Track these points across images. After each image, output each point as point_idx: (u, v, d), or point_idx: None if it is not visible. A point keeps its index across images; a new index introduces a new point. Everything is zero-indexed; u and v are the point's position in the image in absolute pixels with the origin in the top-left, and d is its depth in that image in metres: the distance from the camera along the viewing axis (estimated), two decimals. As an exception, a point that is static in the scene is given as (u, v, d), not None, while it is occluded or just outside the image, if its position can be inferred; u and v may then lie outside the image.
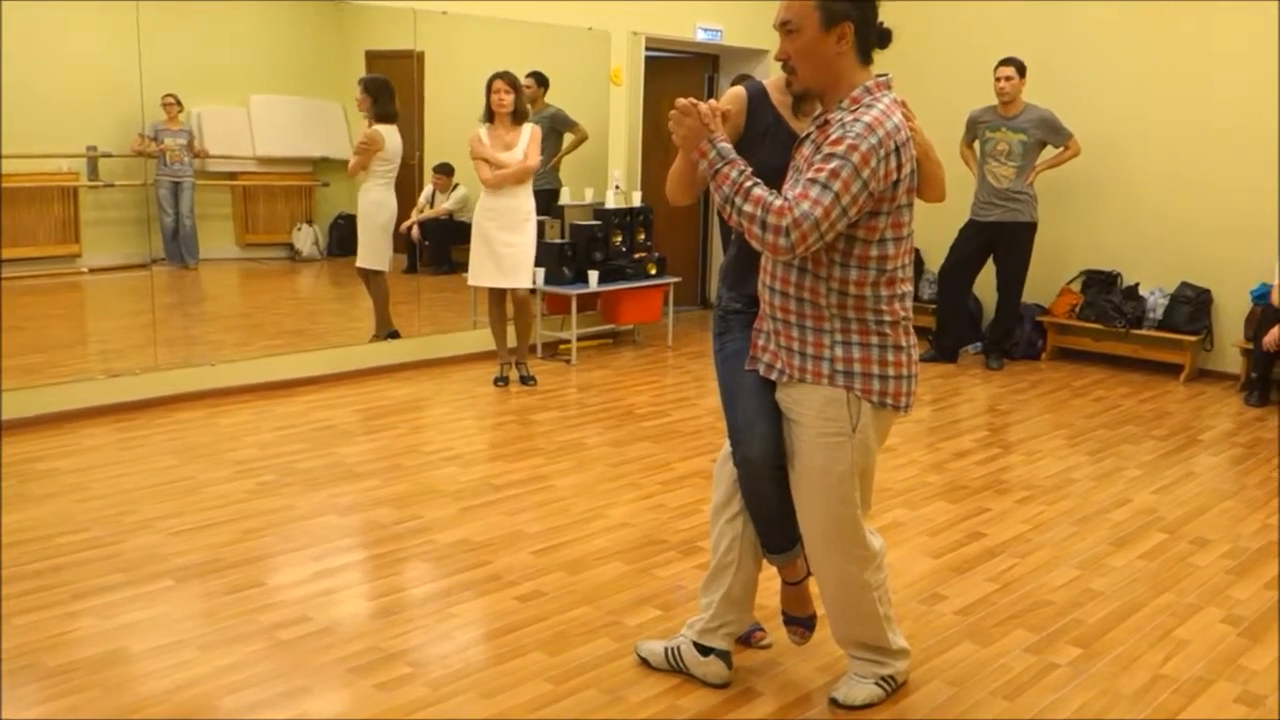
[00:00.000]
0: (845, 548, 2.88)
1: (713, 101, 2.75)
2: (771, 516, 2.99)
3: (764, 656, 3.29)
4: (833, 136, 2.58)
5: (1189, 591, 3.87)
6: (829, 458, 2.79)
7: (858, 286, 2.69)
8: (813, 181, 2.53)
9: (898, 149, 2.59)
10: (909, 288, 2.79)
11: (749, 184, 2.60)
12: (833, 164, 2.53)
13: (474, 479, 4.86)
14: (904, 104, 2.72)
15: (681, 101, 2.68)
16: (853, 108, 2.62)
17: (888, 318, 2.73)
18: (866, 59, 2.70)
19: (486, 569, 3.88)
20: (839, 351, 2.74)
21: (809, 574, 3.12)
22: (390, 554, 4.01)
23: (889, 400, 2.77)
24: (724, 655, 3.11)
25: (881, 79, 2.70)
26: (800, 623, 3.20)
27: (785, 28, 2.68)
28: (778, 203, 2.54)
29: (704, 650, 3.10)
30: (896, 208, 2.66)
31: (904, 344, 2.77)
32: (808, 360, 2.77)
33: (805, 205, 2.51)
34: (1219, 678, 3.24)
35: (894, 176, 2.60)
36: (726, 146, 2.67)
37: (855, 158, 2.52)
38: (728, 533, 3.08)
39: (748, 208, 2.57)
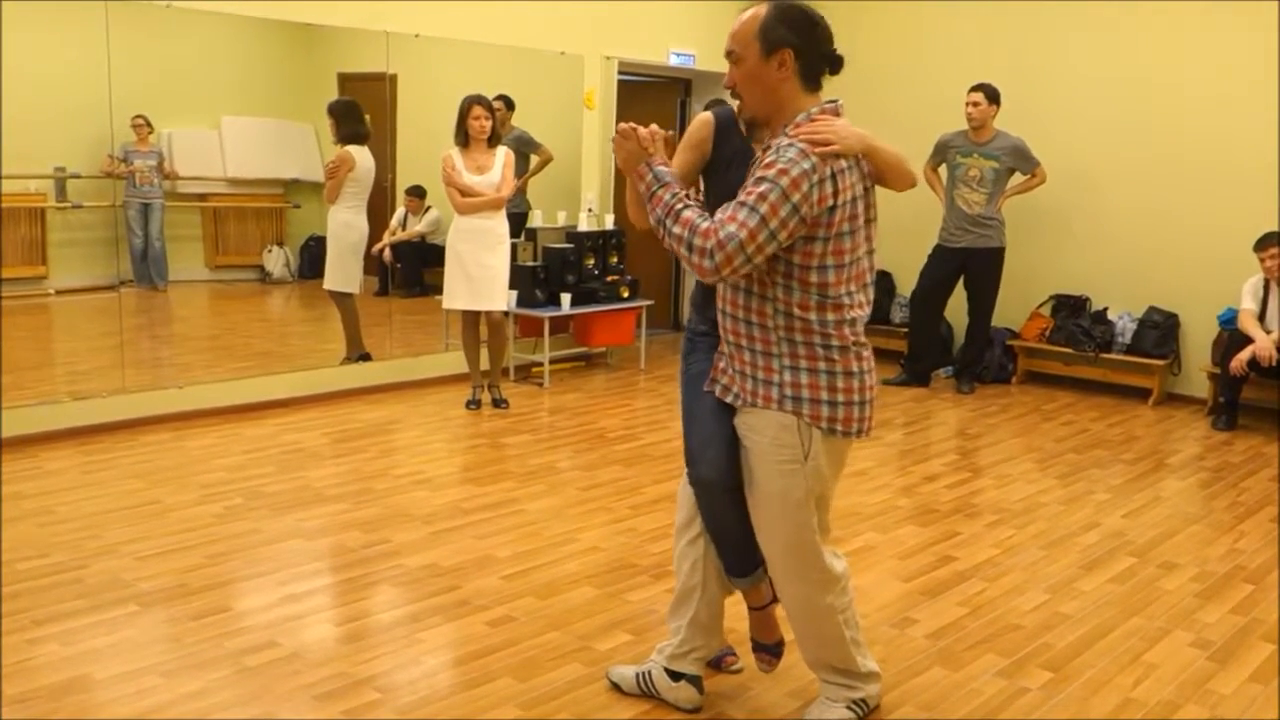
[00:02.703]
0: (804, 572, 2.88)
1: (654, 126, 2.78)
2: (730, 539, 2.98)
3: (735, 681, 3.28)
4: (766, 160, 2.60)
5: (1158, 615, 3.88)
6: (784, 484, 2.79)
7: (801, 310, 2.68)
8: (741, 204, 2.56)
9: (834, 175, 2.59)
10: (861, 313, 2.75)
11: (680, 206, 2.63)
12: (761, 187, 2.55)
13: (444, 502, 4.83)
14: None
15: (623, 126, 2.74)
16: (795, 133, 2.63)
17: (835, 342, 2.70)
18: (812, 85, 2.69)
19: (456, 593, 3.85)
20: (787, 376, 2.73)
21: (774, 600, 3.11)
22: (359, 578, 3.97)
23: (839, 427, 2.74)
24: (694, 680, 3.09)
25: (829, 105, 2.69)
26: (767, 650, 3.18)
27: (730, 56, 2.72)
28: (704, 225, 2.57)
29: (674, 675, 3.09)
30: (836, 235, 2.63)
31: (855, 369, 2.73)
32: (759, 385, 2.76)
33: (731, 228, 2.54)
34: (1188, 701, 3.25)
35: (829, 202, 2.59)
36: (663, 170, 2.70)
37: (785, 182, 2.53)
38: (689, 554, 3.07)
39: (676, 229, 2.60)
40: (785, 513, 2.81)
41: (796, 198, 2.54)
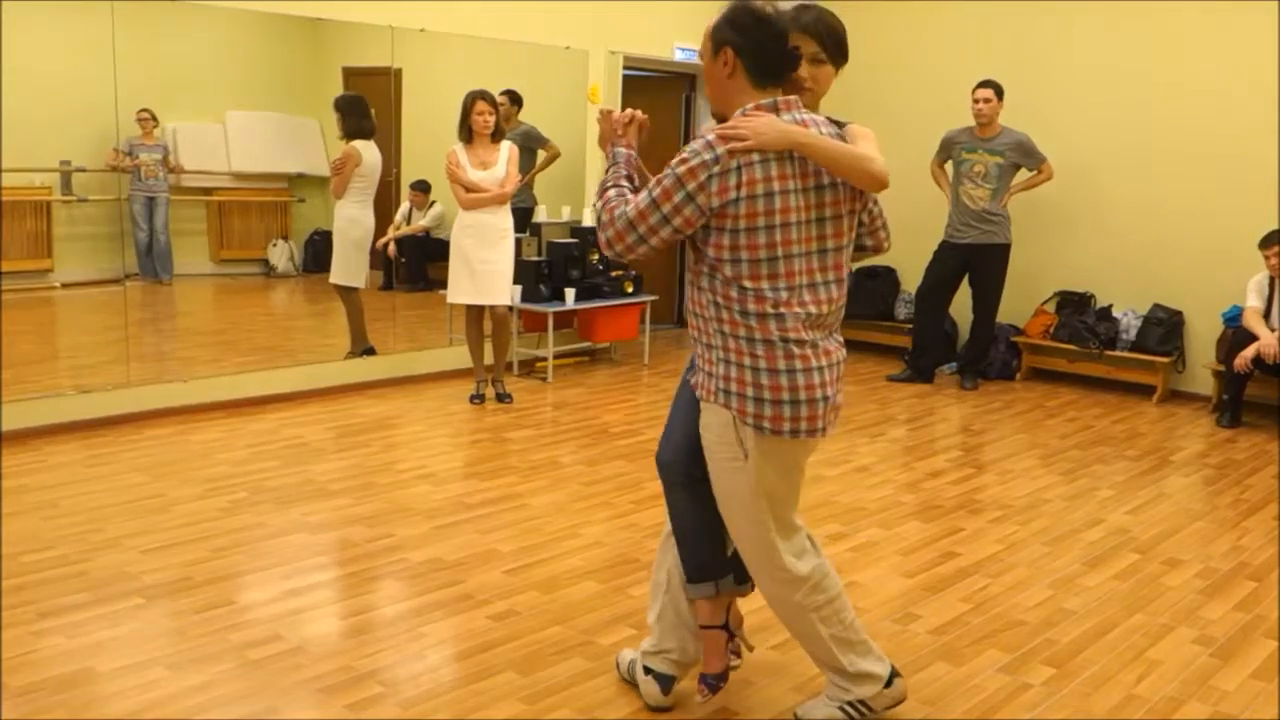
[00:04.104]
0: (766, 570, 2.88)
1: (629, 111, 2.87)
2: (685, 538, 2.98)
3: (737, 675, 3.27)
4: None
5: (1161, 612, 3.88)
6: (730, 482, 2.80)
7: (725, 301, 2.70)
8: (645, 189, 2.68)
9: (740, 169, 2.59)
10: (799, 310, 2.68)
11: (608, 183, 2.80)
12: (663, 172, 2.66)
13: (447, 497, 4.83)
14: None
15: (602, 108, 2.86)
16: (717, 127, 2.69)
17: (759, 336, 2.68)
18: (762, 81, 2.69)
19: (459, 588, 3.86)
20: (721, 369, 2.75)
21: (725, 627, 3.04)
22: (362, 572, 3.98)
23: (766, 425, 2.70)
24: (661, 679, 3.06)
25: (766, 103, 2.68)
26: (705, 679, 3.04)
27: (700, 56, 2.81)
28: (614, 203, 2.74)
29: (646, 669, 3.10)
30: (748, 229, 2.62)
31: (782, 367, 2.68)
32: (705, 378, 2.79)
33: (626, 207, 2.70)
34: (1191, 698, 3.25)
35: (730, 194, 2.60)
36: (621, 152, 2.85)
37: (681, 170, 2.61)
38: (662, 552, 3.11)
39: (598, 203, 2.78)
40: (736, 510, 2.83)
41: (691, 186, 2.60)
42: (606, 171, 2.86)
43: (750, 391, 2.70)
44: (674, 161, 2.64)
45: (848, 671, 2.96)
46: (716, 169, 2.59)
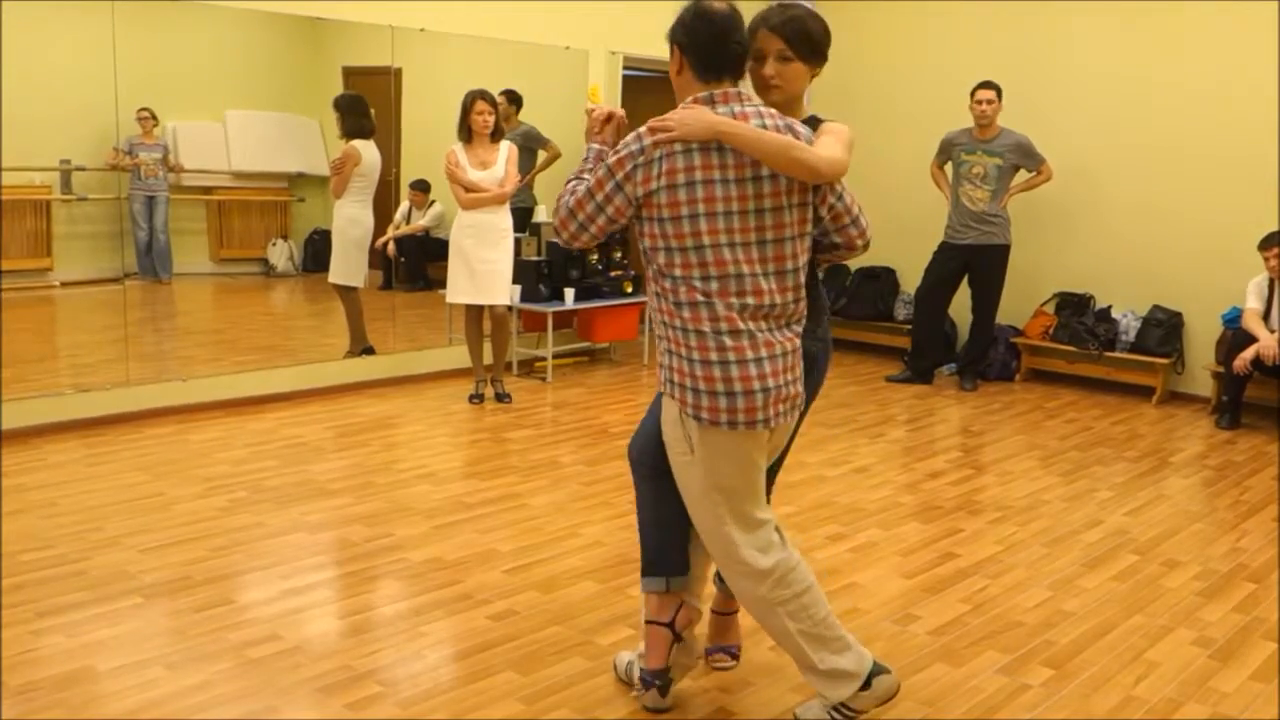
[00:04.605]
0: (727, 563, 2.88)
1: (611, 109, 2.98)
2: (643, 526, 3.03)
3: (736, 676, 3.28)
4: None
5: (1160, 613, 3.88)
6: (683, 476, 2.84)
7: (661, 290, 2.78)
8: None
9: (661, 159, 2.67)
10: (729, 300, 2.70)
11: (572, 178, 2.90)
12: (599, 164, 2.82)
13: (446, 497, 4.83)
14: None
15: (588, 106, 2.93)
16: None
17: (691, 326, 2.72)
18: (705, 77, 2.76)
19: (458, 587, 3.86)
20: (666, 360, 2.81)
21: (667, 623, 3.03)
22: (361, 572, 3.97)
23: (705, 416, 2.72)
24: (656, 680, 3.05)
25: (703, 96, 2.74)
26: (642, 675, 3.06)
27: None
28: (564, 194, 2.87)
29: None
30: (672, 218, 2.68)
31: (713, 359, 2.70)
32: (660, 369, 2.87)
33: (568, 197, 2.84)
34: (1190, 699, 3.25)
35: (652, 184, 2.68)
36: (594, 148, 2.94)
37: (612, 160, 2.74)
38: None
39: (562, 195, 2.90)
40: (691, 503, 2.86)
41: (620, 176, 2.72)
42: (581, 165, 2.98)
43: (689, 382, 2.74)
44: (609, 153, 2.79)
45: (819, 669, 2.90)
46: (641, 159, 2.69)
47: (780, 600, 2.87)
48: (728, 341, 2.71)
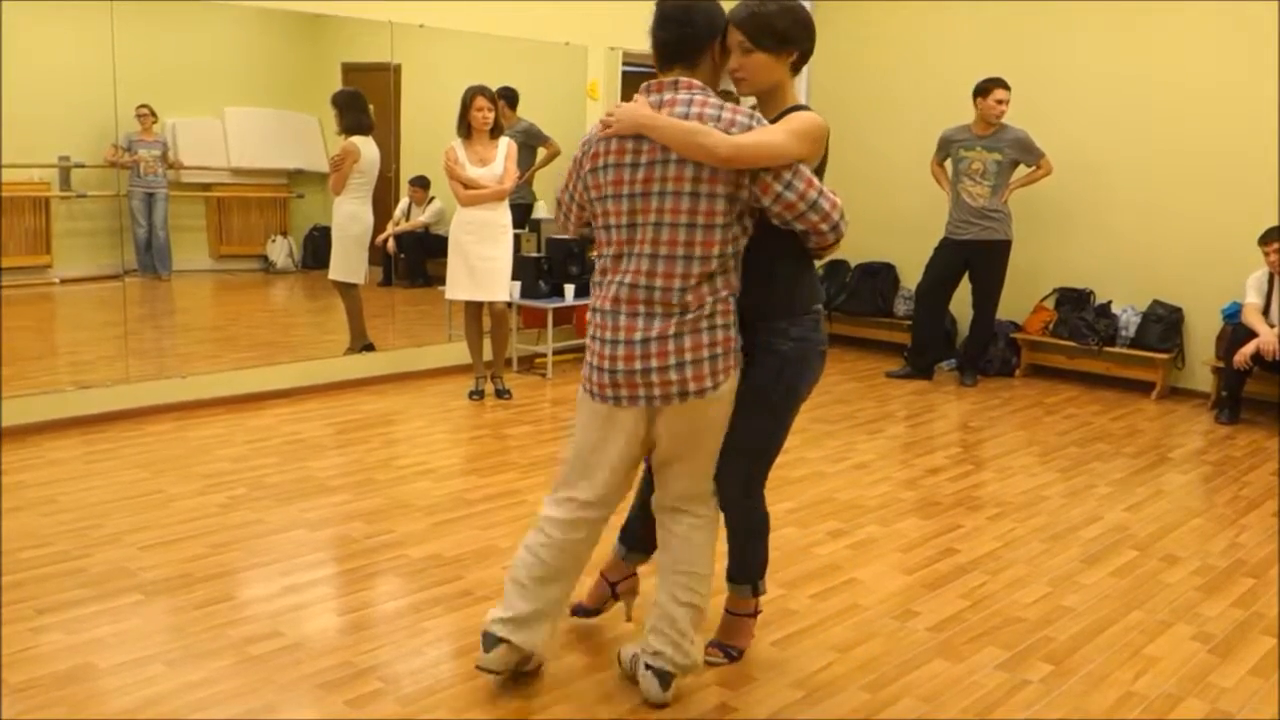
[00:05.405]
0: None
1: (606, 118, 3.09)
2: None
3: (737, 670, 3.28)
4: None
5: (1159, 609, 3.89)
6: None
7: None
8: None
9: (591, 144, 2.91)
10: (612, 279, 2.90)
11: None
12: None
13: (447, 493, 4.83)
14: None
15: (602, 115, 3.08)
16: None
17: (595, 303, 2.96)
18: (659, 66, 2.95)
19: (459, 584, 3.86)
20: None
21: (613, 583, 3.51)
22: (361, 569, 3.98)
23: (585, 385, 2.99)
24: (661, 675, 3.05)
25: (649, 83, 2.91)
26: (575, 608, 3.54)
27: None
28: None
29: (646, 666, 3.10)
30: (596, 199, 2.92)
31: (597, 335, 2.93)
32: None
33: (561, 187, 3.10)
34: (1189, 695, 3.26)
35: (585, 168, 2.94)
36: None
37: (575, 152, 2.99)
38: (660, 556, 3.27)
39: None
40: None
41: (577, 163, 2.97)
42: None
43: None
44: None
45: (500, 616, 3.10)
46: (586, 149, 2.93)
47: (526, 543, 3.09)
48: (594, 318, 2.95)
